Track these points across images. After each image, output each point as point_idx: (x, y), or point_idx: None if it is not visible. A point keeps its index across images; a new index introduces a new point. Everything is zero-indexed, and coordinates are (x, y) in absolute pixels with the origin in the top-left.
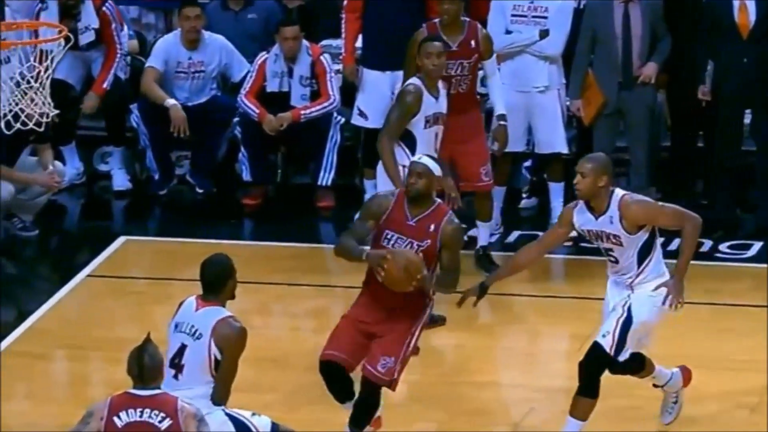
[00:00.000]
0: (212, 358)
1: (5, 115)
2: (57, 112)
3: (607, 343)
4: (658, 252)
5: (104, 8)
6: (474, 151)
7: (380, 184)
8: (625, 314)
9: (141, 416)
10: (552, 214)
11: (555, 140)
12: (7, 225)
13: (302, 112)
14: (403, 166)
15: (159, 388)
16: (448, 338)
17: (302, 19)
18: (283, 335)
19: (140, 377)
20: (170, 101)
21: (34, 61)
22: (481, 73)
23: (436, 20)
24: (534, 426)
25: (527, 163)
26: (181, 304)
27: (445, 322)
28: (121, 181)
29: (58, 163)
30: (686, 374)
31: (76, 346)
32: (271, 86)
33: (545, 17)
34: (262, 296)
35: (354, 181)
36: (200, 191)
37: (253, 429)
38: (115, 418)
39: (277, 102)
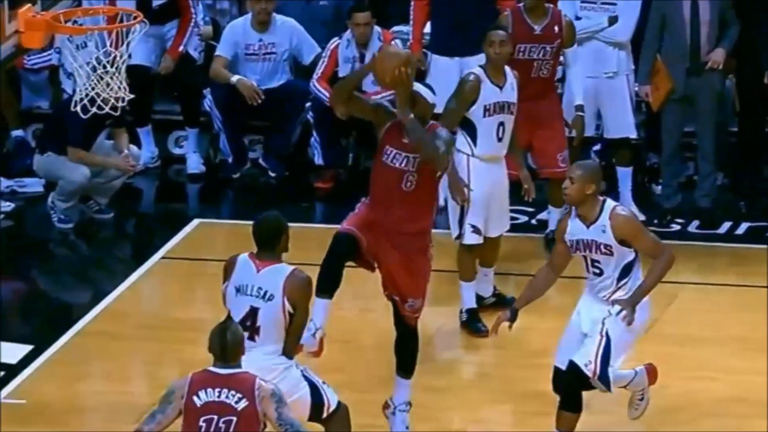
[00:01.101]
0: (286, 315)
1: (82, 99)
2: (132, 96)
3: (591, 371)
4: (636, 274)
5: None
6: (551, 137)
7: (458, 169)
8: (604, 340)
9: (219, 396)
10: (620, 197)
11: (624, 125)
12: (84, 208)
13: (374, 97)
14: (466, 154)
15: (239, 366)
16: (519, 320)
17: (374, 5)
18: (352, 317)
19: (222, 355)
20: (235, 77)
21: (110, 45)
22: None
23: (521, 4)
24: (601, 407)
25: (596, 148)
26: (230, 265)
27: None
28: (195, 164)
29: (133, 147)
30: (651, 373)
31: (151, 327)
32: (343, 71)
33: (614, 3)
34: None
35: None
36: (273, 175)
37: (324, 396)
38: (195, 397)
39: None
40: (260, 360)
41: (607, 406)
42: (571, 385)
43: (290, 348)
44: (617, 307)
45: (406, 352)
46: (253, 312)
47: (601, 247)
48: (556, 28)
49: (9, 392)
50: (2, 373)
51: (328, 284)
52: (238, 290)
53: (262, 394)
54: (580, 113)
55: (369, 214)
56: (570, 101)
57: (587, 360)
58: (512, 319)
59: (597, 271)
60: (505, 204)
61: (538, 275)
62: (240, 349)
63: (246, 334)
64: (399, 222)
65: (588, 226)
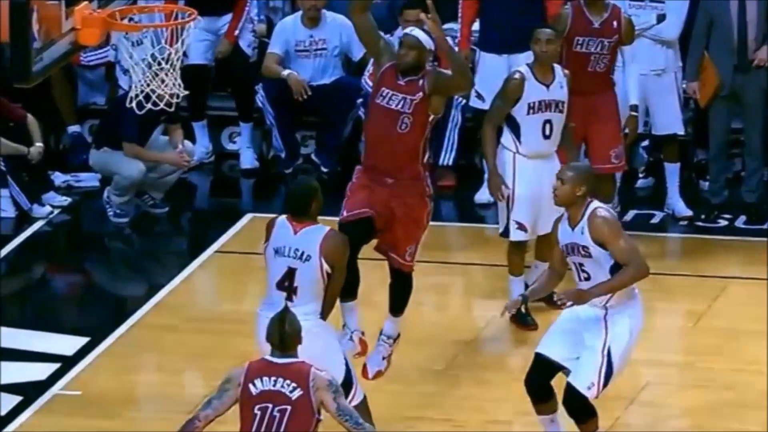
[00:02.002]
0: (324, 275)
1: (137, 95)
2: (187, 93)
3: (593, 394)
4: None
5: None
6: (606, 133)
7: (500, 166)
8: (605, 362)
9: (274, 385)
10: (667, 193)
11: (671, 122)
12: (139, 202)
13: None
14: (511, 152)
15: (296, 355)
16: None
17: (425, 2)
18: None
19: (281, 345)
20: (285, 72)
21: (165, 42)
22: None
23: (581, 0)
24: (649, 400)
25: (644, 144)
26: (270, 226)
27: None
28: (248, 160)
29: (187, 143)
30: None
31: (204, 320)
32: None
33: (662, 2)
34: (385, 272)
35: (475, 161)
36: (325, 170)
37: (354, 384)
38: (251, 386)
39: None
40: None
41: (657, 399)
42: (576, 407)
43: (327, 309)
44: (615, 323)
45: (402, 296)
46: (291, 273)
47: (581, 248)
48: (615, 24)
49: (65, 384)
50: (59, 365)
51: (347, 288)
52: (276, 251)
53: (317, 384)
54: (634, 113)
55: (362, 182)
56: (625, 100)
57: (589, 383)
58: (524, 303)
59: (585, 275)
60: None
61: (543, 274)
62: (298, 339)
63: (284, 294)
64: (393, 167)
65: (572, 229)
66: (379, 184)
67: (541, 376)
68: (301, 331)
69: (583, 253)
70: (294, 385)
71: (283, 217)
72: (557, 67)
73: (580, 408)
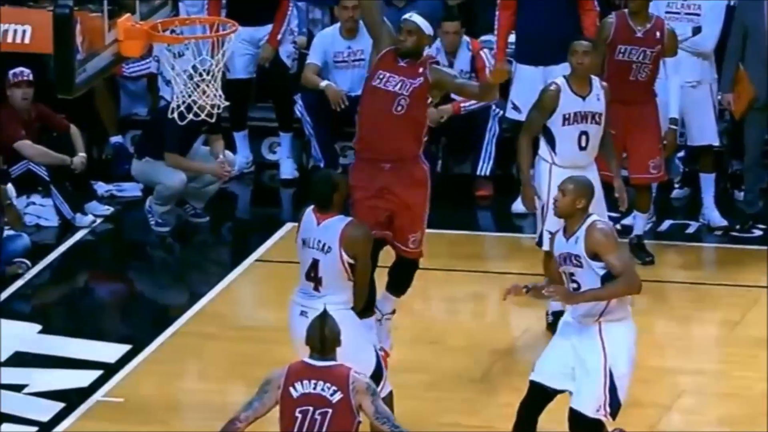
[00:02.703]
0: (346, 266)
1: (179, 106)
2: (228, 103)
3: (602, 415)
4: (623, 298)
5: None
6: (646, 143)
7: (537, 176)
8: (608, 380)
9: (314, 388)
10: (703, 203)
11: (707, 133)
12: (180, 212)
13: (462, 104)
14: (547, 162)
15: (335, 358)
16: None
17: (463, 15)
18: (441, 318)
19: (321, 348)
20: (324, 83)
21: (207, 54)
22: None
23: (625, 9)
24: (685, 409)
25: (680, 154)
26: (301, 218)
27: None
28: (288, 170)
29: (228, 153)
30: None
31: (245, 328)
32: None
33: (698, 14)
34: (422, 281)
35: (512, 171)
36: None
37: (383, 378)
38: (291, 389)
39: None
40: None
41: (693, 407)
42: (581, 428)
43: (357, 300)
44: (611, 336)
45: (404, 279)
46: (315, 264)
47: (572, 258)
48: (658, 34)
49: (107, 391)
50: (101, 372)
51: (366, 303)
52: (303, 242)
53: (357, 387)
54: (674, 126)
55: (360, 185)
56: (665, 112)
57: (597, 405)
58: (528, 291)
59: (575, 285)
60: (598, 209)
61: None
62: (337, 342)
63: (311, 285)
64: (389, 149)
65: (567, 239)
66: (375, 177)
67: (537, 404)
68: (340, 334)
69: (574, 262)
70: (334, 388)
71: (311, 208)
72: (595, 79)
73: (587, 430)
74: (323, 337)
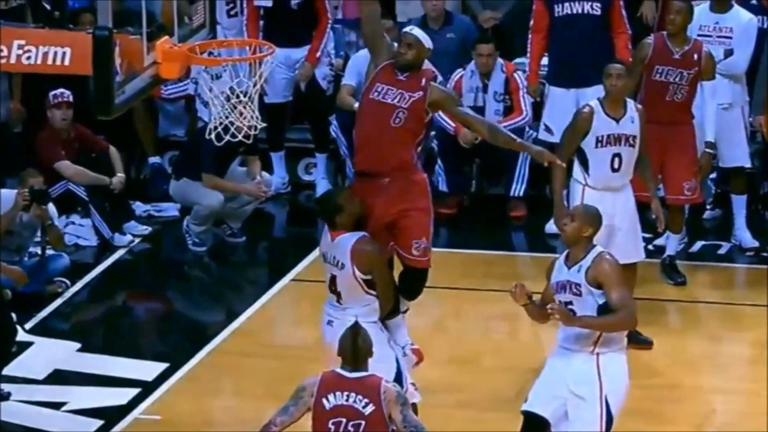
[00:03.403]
0: (360, 281)
1: (216, 127)
2: (264, 125)
3: None
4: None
5: None
6: (681, 164)
7: (570, 197)
8: (605, 411)
9: (347, 400)
10: (734, 224)
11: (738, 154)
12: (217, 231)
13: None
14: (581, 184)
15: (366, 369)
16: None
17: (497, 37)
18: (476, 338)
19: (354, 359)
20: (358, 103)
21: (244, 76)
22: None
23: (664, 32)
24: (715, 427)
25: (712, 176)
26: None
27: (651, 346)
28: (324, 190)
29: (265, 174)
30: None
31: (281, 346)
32: (467, 101)
33: (730, 37)
34: (457, 300)
35: (545, 192)
36: None
37: (404, 388)
38: (324, 400)
39: None
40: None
41: (724, 426)
42: None
43: (383, 309)
44: (608, 369)
45: (412, 288)
46: (333, 278)
47: (572, 286)
48: (695, 56)
49: (145, 408)
50: (139, 389)
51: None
52: (323, 257)
53: (388, 397)
54: (709, 150)
55: (359, 193)
56: (702, 135)
57: None
58: (530, 301)
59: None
60: (632, 233)
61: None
62: (369, 353)
63: (334, 297)
64: (386, 163)
65: (569, 267)
66: (375, 193)
67: None
68: (372, 345)
69: (574, 291)
70: (366, 400)
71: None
72: (630, 102)
73: None
74: (356, 349)
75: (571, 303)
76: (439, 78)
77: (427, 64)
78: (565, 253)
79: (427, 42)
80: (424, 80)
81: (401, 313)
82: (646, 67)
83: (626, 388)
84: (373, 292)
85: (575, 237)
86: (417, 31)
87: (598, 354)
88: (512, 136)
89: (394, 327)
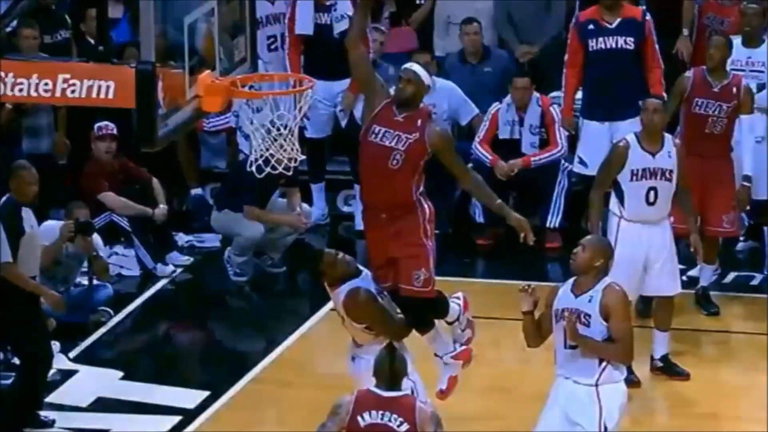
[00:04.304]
0: (362, 329)
1: (257, 160)
2: (304, 157)
3: None
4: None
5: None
6: (720, 197)
7: (608, 229)
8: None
9: (382, 419)
10: (767, 256)
11: None
12: (258, 262)
13: (532, 158)
14: (617, 216)
15: (401, 388)
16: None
17: (533, 71)
18: (514, 367)
19: (390, 379)
20: None
21: (284, 109)
22: None
23: (703, 66)
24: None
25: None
26: None
27: (688, 377)
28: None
29: (305, 205)
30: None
31: (321, 375)
32: (503, 134)
33: (762, 71)
34: (495, 330)
35: (580, 223)
36: (436, 232)
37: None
38: (359, 418)
39: (509, 149)
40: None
41: None
42: None
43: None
44: (608, 399)
45: (420, 320)
46: (343, 321)
47: (582, 316)
48: (734, 90)
49: None
50: (180, 417)
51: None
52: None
53: (422, 417)
54: (747, 183)
55: (365, 230)
56: (739, 169)
57: None
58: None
59: (573, 344)
60: (668, 266)
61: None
62: (405, 373)
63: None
64: (386, 201)
65: (577, 296)
66: (375, 226)
67: None
68: (407, 365)
69: (583, 321)
70: (401, 419)
71: None
72: (668, 137)
73: None
74: (392, 369)
75: None
76: (435, 115)
77: (424, 103)
78: (571, 281)
79: (426, 78)
80: (420, 121)
81: (450, 322)
82: (686, 100)
83: (620, 417)
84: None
85: (586, 266)
86: (416, 67)
87: (598, 384)
88: (494, 196)
89: (429, 340)
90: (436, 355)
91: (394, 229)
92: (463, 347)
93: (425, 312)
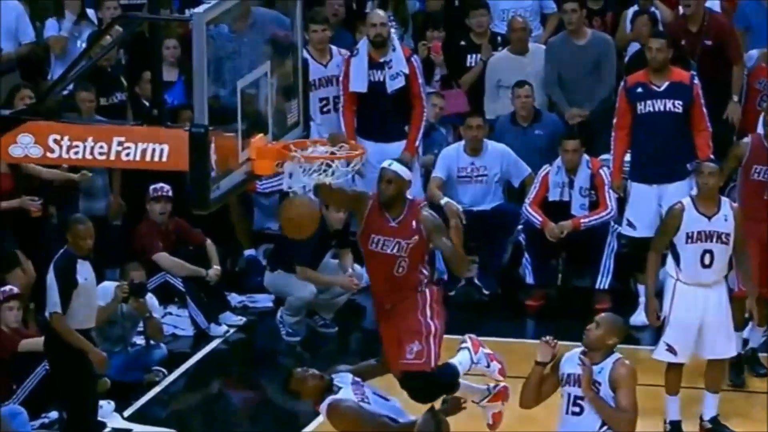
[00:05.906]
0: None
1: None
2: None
3: None
4: None
5: (412, 59)
6: None
7: (665, 290)
8: None
9: None
10: None
11: None
12: (310, 322)
13: (582, 220)
14: (673, 278)
15: None
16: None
17: (583, 133)
18: None
19: None
20: (444, 199)
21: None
22: None
23: (761, 132)
24: None
25: None
26: None
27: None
28: None
29: (357, 266)
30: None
31: None
32: (553, 196)
33: None
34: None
35: (629, 285)
36: (486, 292)
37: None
38: None
39: (559, 211)
40: None
41: None
42: None
43: None
44: None
45: (419, 394)
46: None
47: (593, 383)
48: None
49: None
50: None
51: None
52: None
53: None
54: None
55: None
56: None
57: None
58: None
59: (577, 409)
60: (724, 329)
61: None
62: None
63: None
64: (393, 298)
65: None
66: (381, 316)
67: None
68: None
69: (594, 389)
70: None
71: None
72: (725, 200)
73: None
74: (439, 429)
75: (581, 398)
76: (426, 209)
77: (409, 194)
78: (580, 350)
79: (406, 174)
80: (415, 222)
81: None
82: (744, 166)
83: None
84: None
85: (599, 343)
86: (396, 166)
87: None
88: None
89: (464, 389)
90: (473, 402)
91: (394, 316)
92: (497, 387)
93: (420, 386)
